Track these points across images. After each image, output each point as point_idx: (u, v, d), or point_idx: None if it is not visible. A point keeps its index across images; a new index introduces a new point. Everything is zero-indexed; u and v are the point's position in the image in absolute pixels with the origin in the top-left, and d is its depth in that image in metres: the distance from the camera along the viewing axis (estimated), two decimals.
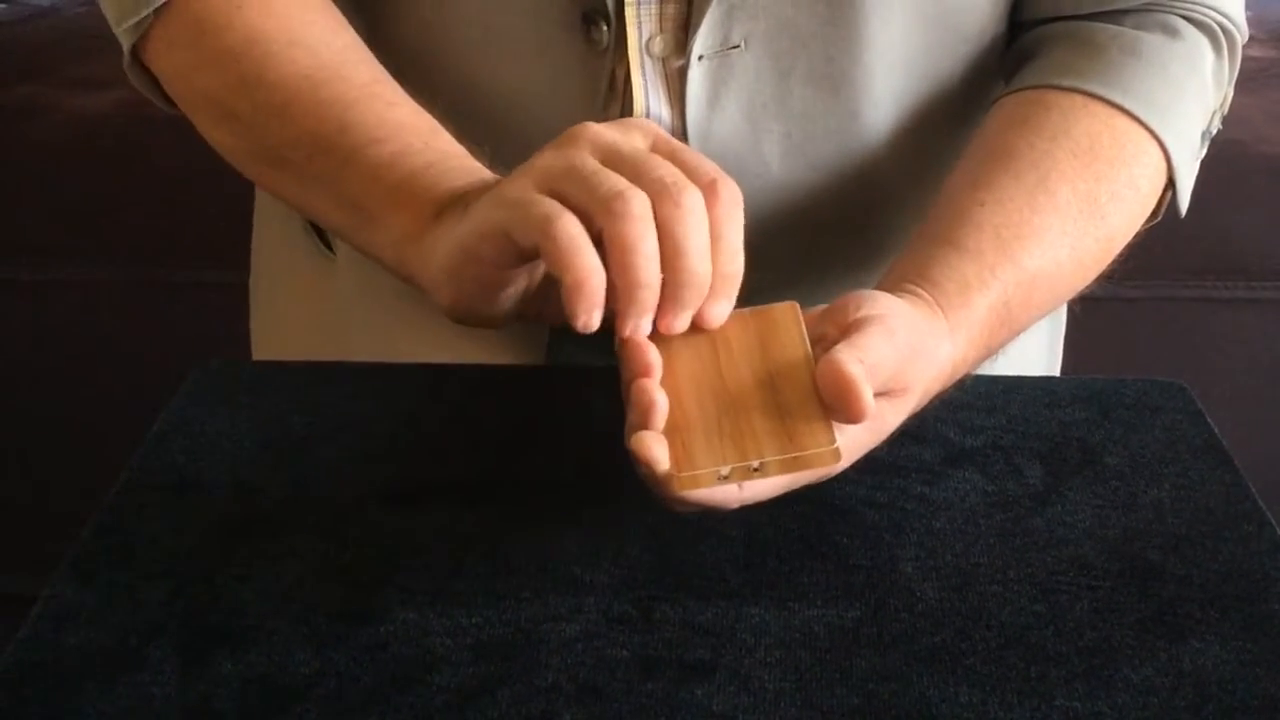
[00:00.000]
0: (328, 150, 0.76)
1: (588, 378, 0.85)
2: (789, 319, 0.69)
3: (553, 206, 0.64)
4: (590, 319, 0.64)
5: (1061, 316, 1.04)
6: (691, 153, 0.66)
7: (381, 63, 0.84)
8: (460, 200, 0.71)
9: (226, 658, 0.62)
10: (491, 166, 0.76)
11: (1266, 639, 0.64)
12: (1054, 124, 0.80)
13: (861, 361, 0.64)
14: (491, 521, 0.71)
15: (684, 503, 0.65)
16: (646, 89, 0.83)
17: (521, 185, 0.65)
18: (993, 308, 0.75)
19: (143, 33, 0.84)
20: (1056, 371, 1.06)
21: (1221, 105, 0.88)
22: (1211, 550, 0.70)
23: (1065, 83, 0.82)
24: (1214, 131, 0.87)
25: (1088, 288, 0.82)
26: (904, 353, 0.68)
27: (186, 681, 0.61)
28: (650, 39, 0.83)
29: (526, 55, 0.84)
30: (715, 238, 0.65)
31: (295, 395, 0.81)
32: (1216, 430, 0.80)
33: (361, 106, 0.76)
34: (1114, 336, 1.72)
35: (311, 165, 0.77)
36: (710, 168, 0.65)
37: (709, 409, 0.66)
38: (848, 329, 0.67)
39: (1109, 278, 0.82)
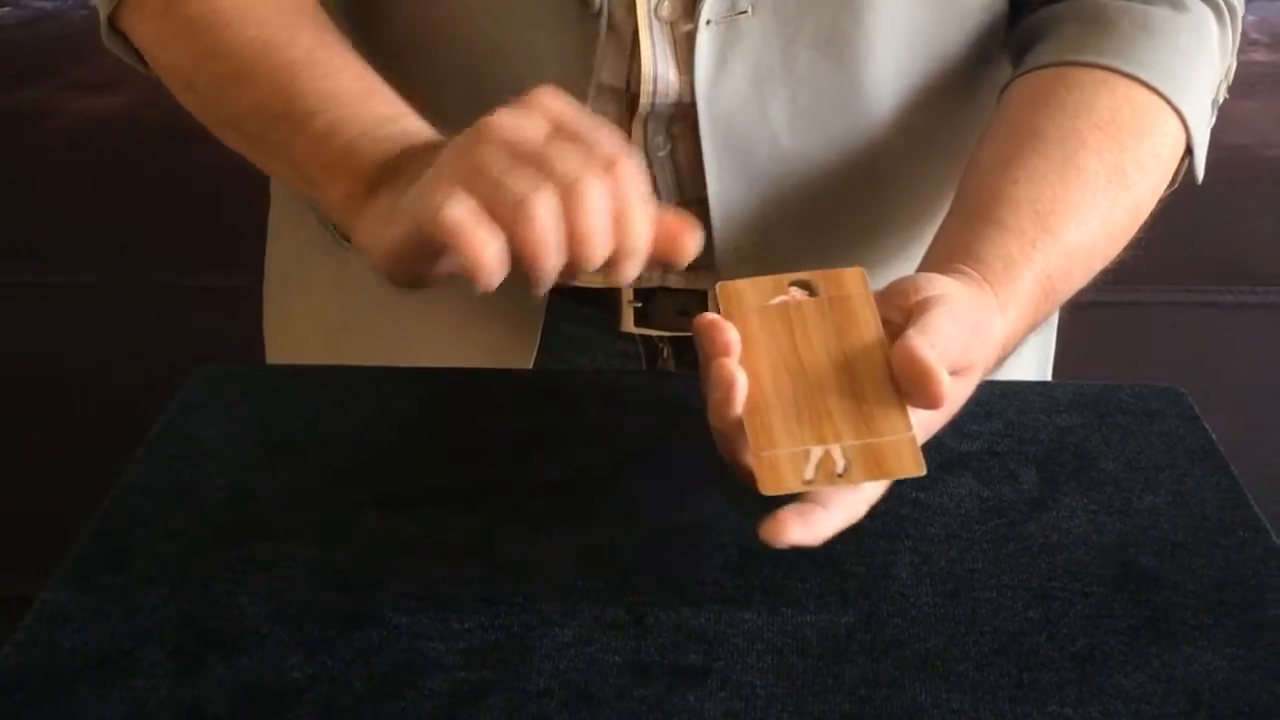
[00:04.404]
0: (276, 121, 0.80)
1: (582, 382, 0.85)
2: (860, 292, 0.70)
3: (445, 196, 0.66)
4: (490, 286, 0.66)
5: (1051, 333, 1.04)
6: (591, 129, 0.67)
7: (380, 35, 0.87)
8: (390, 171, 0.73)
9: (219, 662, 0.62)
10: (431, 121, 0.79)
11: (1260, 645, 0.64)
12: (1076, 100, 0.82)
13: (934, 346, 0.65)
14: (485, 526, 0.71)
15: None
16: (655, 53, 0.84)
17: (432, 186, 0.67)
18: (1037, 281, 0.76)
19: (117, 2, 0.86)
20: (1048, 373, 1.06)
21: (1226, 75, 0.89)
22: (1206, 556, 0.70)
23: (1082, 59, 0.83)
24: (1220, 101, 0.89)
25: (1118, 256, 0.83)
26: (968, 332, 0.69)
27: (180, 685, 0.61)
28: (659, 3, 0.84)
29: (522, 18, 0.85)
30: (618, 216, 0.66)
31: (291, 400, 0.81)
32: (1214, 436, 0.80)
33: (303, 78, 0.79)
34: (1118, 341, 1.72)
35: (265, 135, 0.81)
36: (609, 145, 0.67)
37: (786, 390, 0.67)
38: (911, 311, 0.69)
39: (1136, 245, 0.83)
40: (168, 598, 0.66)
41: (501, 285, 0.74)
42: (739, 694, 0.61)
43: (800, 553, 0.69)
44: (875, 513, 0.72)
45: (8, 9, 1.90)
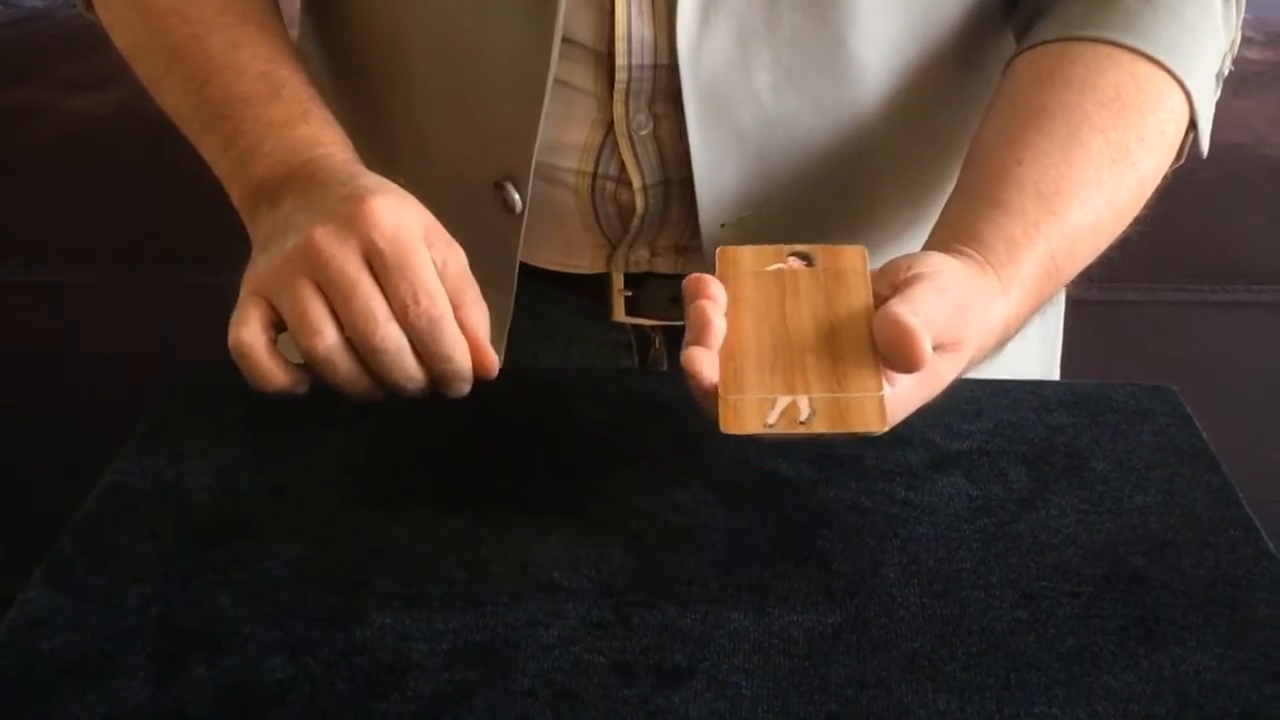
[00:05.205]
0: (191, 124, 0.85)
1: (569, 380, 0.85)
2: (857, 268, 0.72)
3: (241, 319, 0.74)
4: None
5: (1057, 329, 1.04)
6: (398, 265, 0.73)
7: (343, 13, 0.91)
8: (271, 189, 0.79)
9: (201, 663, 0.62)
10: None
11: (1249, 646, 0.64)
12: (1080, 76, 0.81)
13: (916, 314, 0.66)
14: (470, 526, 0.70)
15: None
16: (630, 13, 0.83)
17: (251, 287, 0.75)
18: (1040, 263, 0.76)
19: None
20: (1056, 369, 1.06)
21: (1230, 48, 0.89)
22: (1196, 556, 0.69)
23: (1086, 33, 0.83)
24: (1225, 73, 0.88)
25: (1124, 232, 0.83)
26: (955, 307, 0.70)
27: (160, 687, 0.60)
28: None
29: None
30: (422, 351, 0.73)
31: (278, 401, 0.80)
32: (1205, 435, 0.79)
33: (213, 84, 0.84)
34: (1115, 341, 1.72)
35: (188, 132, 0.86)
36: (409, 286, 0.72)
37: (765, 343, 0.68)
38: (899, 286, 0.70)
39: (1141, 222, 0.83)
40: (149, 598, 0.65)
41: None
42: (724, 694, 0.60)
43: (788, 552, 0.69)
44: (864, 511, 0.72)
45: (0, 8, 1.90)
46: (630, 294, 0.94)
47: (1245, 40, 0.91)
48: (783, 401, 0.66)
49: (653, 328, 0.96)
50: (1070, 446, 0.78)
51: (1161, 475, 0.76)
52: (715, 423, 0.66)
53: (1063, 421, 0.80)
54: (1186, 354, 1.74)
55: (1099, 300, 1.67)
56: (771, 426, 0.65)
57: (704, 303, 0.68)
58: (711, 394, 0.67)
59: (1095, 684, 0.61)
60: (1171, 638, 0.64)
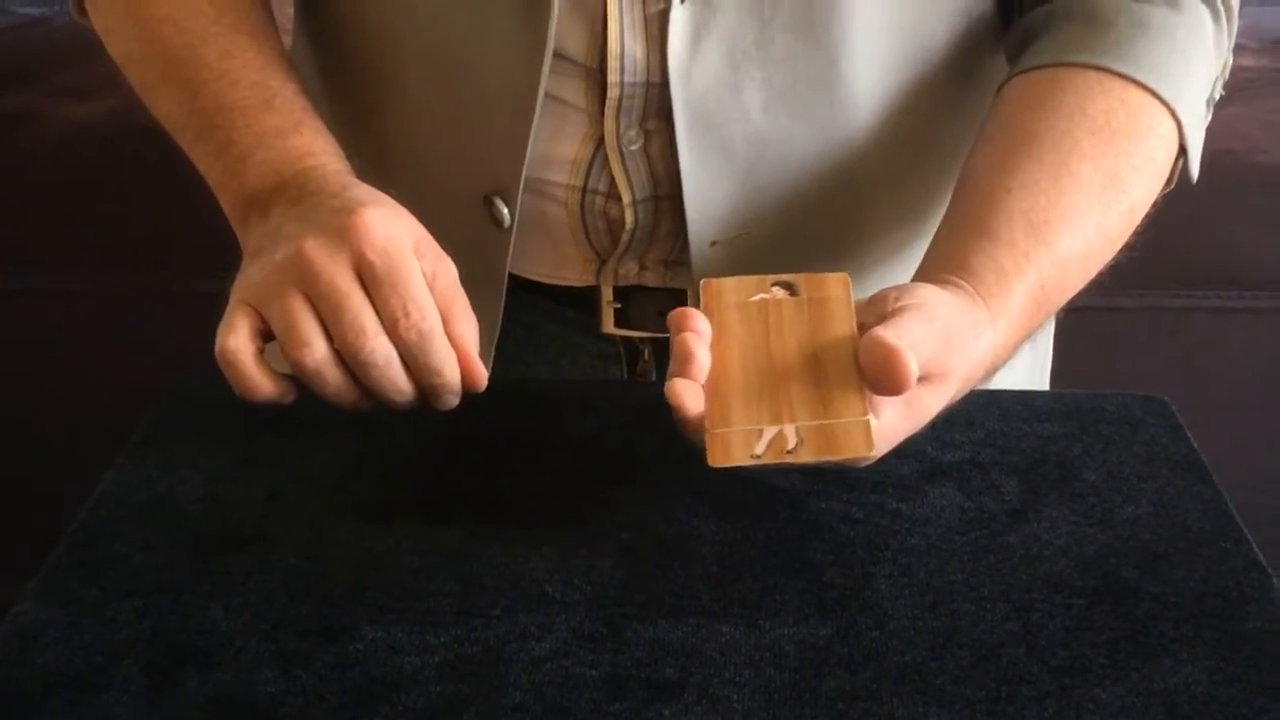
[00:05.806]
0: (183, 132, 0.86)
1: (561, 391, 0.85)
2: (840, 296, 0.72)
3: (230, 327, 0.74)
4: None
5: (1047, 349, 1.04)
6: (388, 277, 0.73)
7: (337, 23, 0.92)
8: (262, 200, 0.79)
9: (193, 677, 0.62)
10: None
11: (1240, 659, 0.64)
12: (1070, 103, 0.81)
13: (900, 338, 0.67)
14: (463, 538, 0.70)
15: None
16: (623, 32, 0.83)
17: (240, 296, 0.75)
18: (1030, 292, 0.76)
19: None
20: (1046, 379, 1.06)
21: (1222, 72, 0.89)
22: (1187, 568, 0.69)
23: (1078, 60, 0.83)
24: (1216, 98, 0.88)
25: (1114, 259, 0.83)
26: (942, 338, 0.70)
27: (152, 701, 0.60)
28: None
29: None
30: (412, 364, 0.74)
31: (270, 410, 0.80)
32: (1195, 445, 0.79)
33: (204, 93, 0.84)
34: (1108, 347, 1.72)
35: (180, 140, 0.86)
36: (399, 299, 0.73)
37: (751, 374, 0.69)
38: (886, 317, 0.70)
39: (1130, 248, 0.83)
40: (141, 611, 0.65)
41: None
42: (715, 708, 0.60)
43: (779, 564, 0.69)
44: (855, 523, 0.72)
45: None
46: (619, 306, 0.94)
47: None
48: (769, 432, 0.66)
49: (641, 340, 0.96)
50: (1061, 457, 0.78)
51: (1152, 486, 0.76)
52: (703, 457, 0.66)
53: (1054, 432, 0.80)
54: (1178, 360, 1.75)
55: (1090, 306, 1.67)
56: (759, 457, 0.66)
57: (688, 335, 0.68)
58: (696, 426, 0.67)
59: (1086, 697, 0.61)
60: (1162, 650, 0.64)
